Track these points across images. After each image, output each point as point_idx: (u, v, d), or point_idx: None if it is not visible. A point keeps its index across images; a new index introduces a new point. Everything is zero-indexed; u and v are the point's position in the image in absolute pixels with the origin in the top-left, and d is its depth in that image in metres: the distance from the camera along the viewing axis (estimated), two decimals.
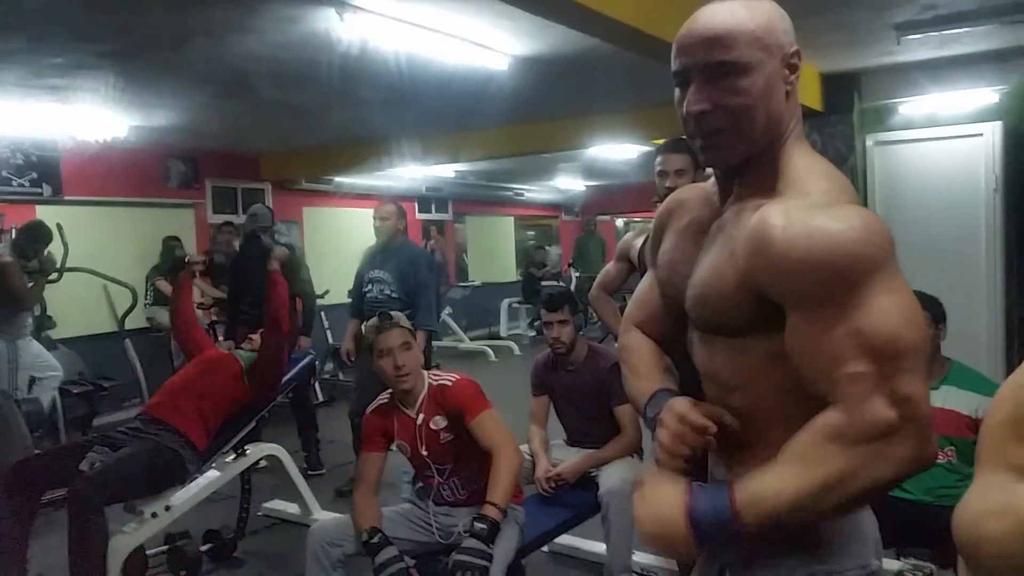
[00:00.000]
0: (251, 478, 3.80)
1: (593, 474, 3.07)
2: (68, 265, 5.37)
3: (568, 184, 12.98)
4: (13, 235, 6.16)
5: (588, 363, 3.19)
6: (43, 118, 5.31)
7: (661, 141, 3.06)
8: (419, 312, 4.11)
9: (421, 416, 2.65)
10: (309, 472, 4.84)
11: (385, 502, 2.72)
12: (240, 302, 4.98)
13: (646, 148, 7.48)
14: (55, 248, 5.20)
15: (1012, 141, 5.23)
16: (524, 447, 3.00)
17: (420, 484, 2.84)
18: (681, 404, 1.21)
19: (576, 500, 3.04)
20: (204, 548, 3.60)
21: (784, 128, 1.16)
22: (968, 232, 5.26)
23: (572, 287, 10.74)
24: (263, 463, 3.86)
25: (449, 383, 2.66)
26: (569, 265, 12.14)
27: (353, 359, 4.56)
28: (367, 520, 2.52)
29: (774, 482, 1.02)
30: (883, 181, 5.58)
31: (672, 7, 3.28)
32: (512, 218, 13.63)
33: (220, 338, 5.22)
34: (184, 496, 3.28)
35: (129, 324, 6.18)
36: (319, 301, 5.93)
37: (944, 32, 4.26)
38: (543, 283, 10.65)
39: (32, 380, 4.98)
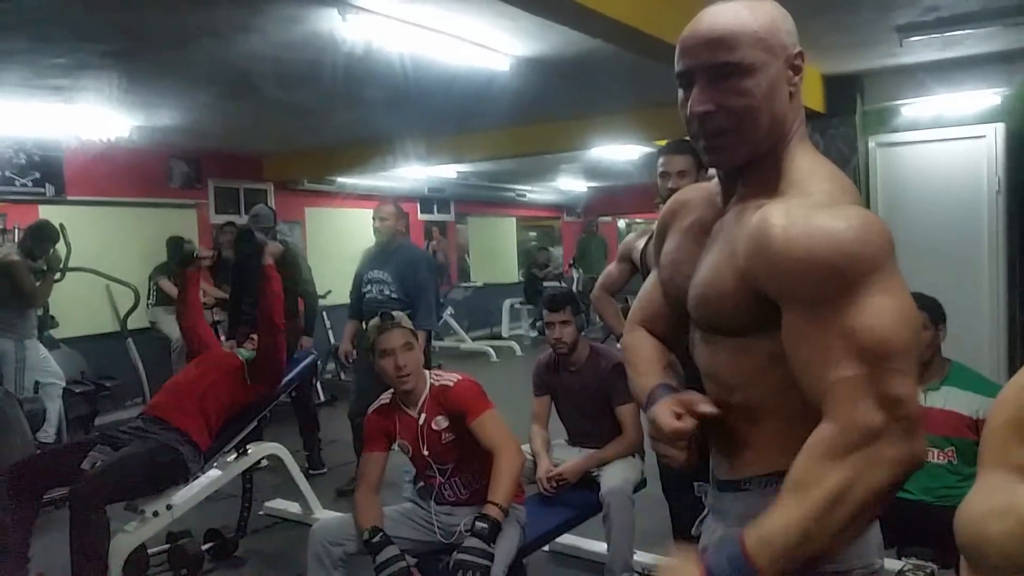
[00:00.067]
0: (252, 477, 3.81)
1: (594, 474, 3.08)
2: (71, 265, 5.38)
3: (570, 185, 12.98)
4: (17, 235, 6.20)
5: (590, 363, 3.20)
6: (46, 118, 5.31)
7: (663, 142, 3.07)
8: (419, 312, 4.11)
9: (423, 416, 2.65)
10: (310, 471, 4.85)
11: (386, 501, 2.72)
12: (242, 302, 4.98)
13: (648, 149, 7.48)
14: (59, 248, 5.22)
15: (1015, 143, 5.23)
16: (525, 447, 3.01)
17: (422, 484, 2.84)
18: (662, 406, 1.22)
19: (577, 500, 3.05)
20: (205, 547, 3.61)
21: (787, 129, 1.16)
22: (971, 234, 5.26)
23: (575, 286, 10.75)
24: (265, 462, 3.86)
25: (451, 383, 2.67)
26: (571, 265, 12.13)
27: (351, 360, 4.56)
28: (368, 519, 2.52)
29: (779, 518, 1.01)
30: (885, 183, 5.57)
31: (673, 8, 3.28)
32: (514, 219, 13.63)
33: (222, 338, 5.22)
34: (186, 495, 3.28)
35: (131, 324, 6.19)
36: (321, 301, 5.93)
37: (946, 34, 4.27)
38: (545, 284, 10.64)
39: (36, 385, 5.00)
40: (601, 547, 3.14)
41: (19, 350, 4.92)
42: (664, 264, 1.36)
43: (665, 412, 1.21)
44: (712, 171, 1.28)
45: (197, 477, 3.31)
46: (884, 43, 4.55)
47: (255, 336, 3.73)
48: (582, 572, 3.43)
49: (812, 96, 5.26)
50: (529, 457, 3.11)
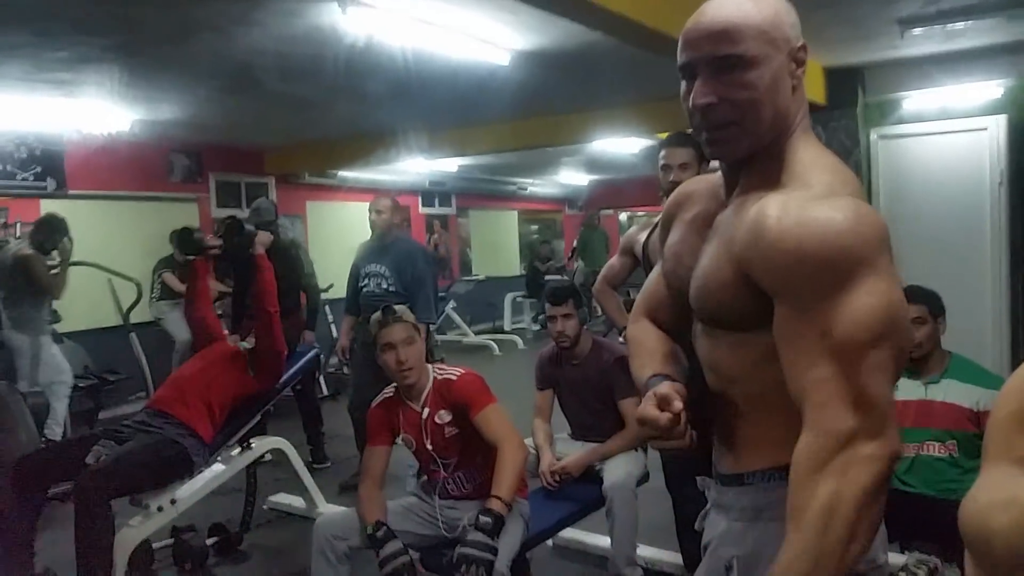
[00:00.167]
0: (256, 472, 3.81)
1: (597, 468, 3.08)
2: (73, 259, 5.38)
3: (571, 178, 12.97)
4: (19, 229, 6.20)
5: (592, 357, 3.19)
6: (47, 112, 5.31)
7: (665, 135, 3.06)
8: (418, 305, 4.11)
9: (426, 410, 2.66)
10: (314, 466, 4.85)
11: (390, 496, 2.73)
12: (245, 296, 4.99)
13: (649, 142, 7.47)
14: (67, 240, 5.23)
15: (1017, 135, 5.22)
16: (528, 441, 3.01)
17: (425, 478, 2.84)
18: (646, 398, 1.22)
19: (580, 494, 3.05)
20: (210, 541, 3.62)
21: (791, 122, 1.16)
22: (973, 226, 5.25)
23: (577, 277, 10.74)
24: (268, 457, 3.87)
25: (454, 377, 2.67)
26: (570, 257, 12.11)
27: (348, 355, 4.57)
28: (372, 513, 2.53)
29: (787, 552, 1.01)
30: (887, 175, 5.56)
31: (674, 1, 3.27)
32: (516, 212, 13.62)
33: (225, 331, 5.23)
34: (190, 490, 3.29)
35: (134, 318, 6.19)
36: (323, 295, 5.93)
37: (948, 26, 4.25)
38: (547, 277, 10.64)
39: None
40: (604, 541, 3.15)
41: (34, 346, 4.95)
42: (667, 256, 1.36)
43: (648, 403, 1.22)
44: (714, 163, 1.28)
45: (201, 471, 3.32)
46: (886, 35, 4.54)
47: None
48: (585, 566, 3.43)
49: (814, 89, 5.25)
50: (532, 451, 3.11)
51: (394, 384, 2.74)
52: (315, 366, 4.38)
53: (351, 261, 4.63)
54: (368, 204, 4.54)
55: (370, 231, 4.52)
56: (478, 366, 2.88)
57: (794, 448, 1.04)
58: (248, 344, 3.62)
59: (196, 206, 7.64)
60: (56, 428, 4.94)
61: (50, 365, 5.04)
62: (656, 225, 2.93)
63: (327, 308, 7.52)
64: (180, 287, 6.52)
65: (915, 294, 2.59)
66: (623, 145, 7.96)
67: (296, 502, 4.17)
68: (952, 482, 2.59)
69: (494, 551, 2.33)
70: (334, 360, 7.87)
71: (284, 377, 3.74)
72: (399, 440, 2.74)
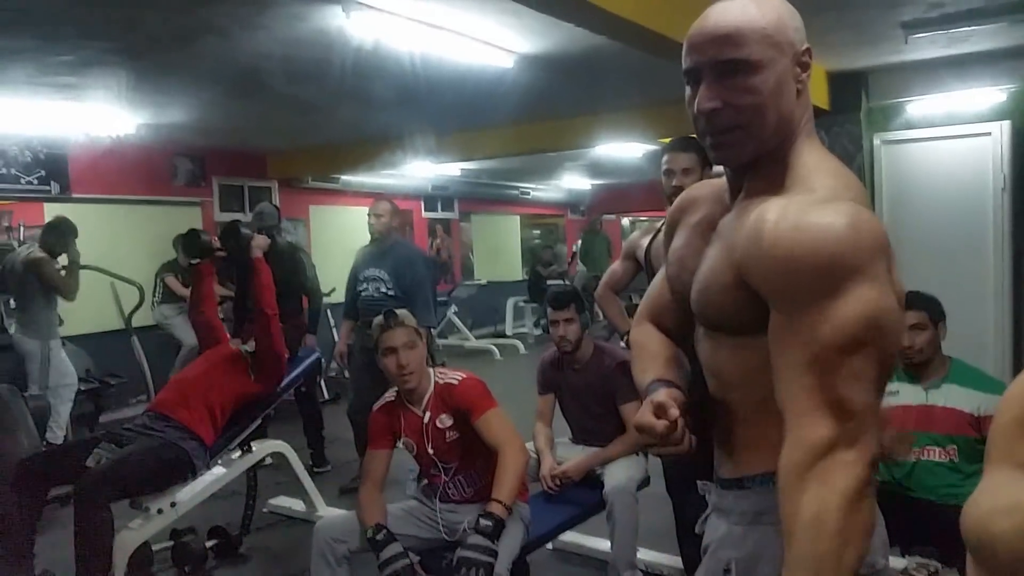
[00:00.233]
0: (257, 475, 3.81)
1: (598, 472, 3.08)
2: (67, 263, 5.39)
3: (574, 183, 12.98)
4: (23, 232, 6.22)
5: (594, 361, 3.19)
6: (51, 116, 5.32)
7: (668, 140, 3.06)
8: (417, 310, 4.11)
9: (428, 414, 2.65)
10: (315, 469, 4.85)
11: (390, 499, 2.73)
12: (247, 299, 4.99)
13: (652, 147, 7.47)
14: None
15: (1021, 140, 5.21)
16: (529, 445, 3.01)
17: (425, 481, 2.84)
18: (644, 405, 1.22)
19: (581, 498, 3.04)
20: (209, 544, 3.62)
21: (795, 126, 1.16)
22: (976, 231, 5.24)
23: (577, 281, 10.73)
24: (269, 460, 3.87)
25: (455, 382, 2.67)
26: (569, 262, 12.09)
27: (347, 360, 4.57)
28: (372, 516, 2.53)
29: (786, 566, 1.01)
30: (891, 180, 5.56)
31: (678, 4, 3.27)
32: (518, 217, 13.63)
33: (228, 335, 5.24)
34: (190, 492, 3.29)
35: (136, 322, 6.20)
36: (325, 300, 5.94)
37: (952, 31, 4.25)
38: (549, 282, 10.64)
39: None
40: (605, 545, 3.15)
41: (44, 350, 4.97)
42: (671, 260, 1.36)
43: (645, 410, 1.22)
44: (718, 168, 1.28)
45: (202, 474, 3.32)
46: (889, 40, 4.53)
47: None
48: (586, 570, 3.43)
49: (817, 93, 5.25)
50: (533, 455, 3.11)
51: (396, 388, 2.74)
52: (316, 370, 4.38)
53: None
54: (357, 208, 4.55)
55: (369, 235, 4.53)
56: (479, 370, 2.88)
57: None
58: (250, 347, 3.62)
59: (199, 210, 7.65)
60: (58, 432, 4.94)
61: (58, 369, 5.05)
62: (659, 230, 2.94)
63: (328, 312, 7.52)
64: (182, 291, 6.53)
65: (915, 300, 2.59)
66: (626, 150, 7.95)
67: (296, 505, 4.17)
68: (953, 487, 2.58)
69: (494, 554, 2.33)
70: (335, 364, 7.88)
71: (285, 381, 3.74)
72: (400, 444, 2.74)
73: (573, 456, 3.15)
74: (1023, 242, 5.27)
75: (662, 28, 3.30)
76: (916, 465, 2.66)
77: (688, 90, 1.17)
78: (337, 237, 8.89)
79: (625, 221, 15.80)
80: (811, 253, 1.00)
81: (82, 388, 5.63)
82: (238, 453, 3.60)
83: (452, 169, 9.72)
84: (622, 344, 3.35)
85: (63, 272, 5.06)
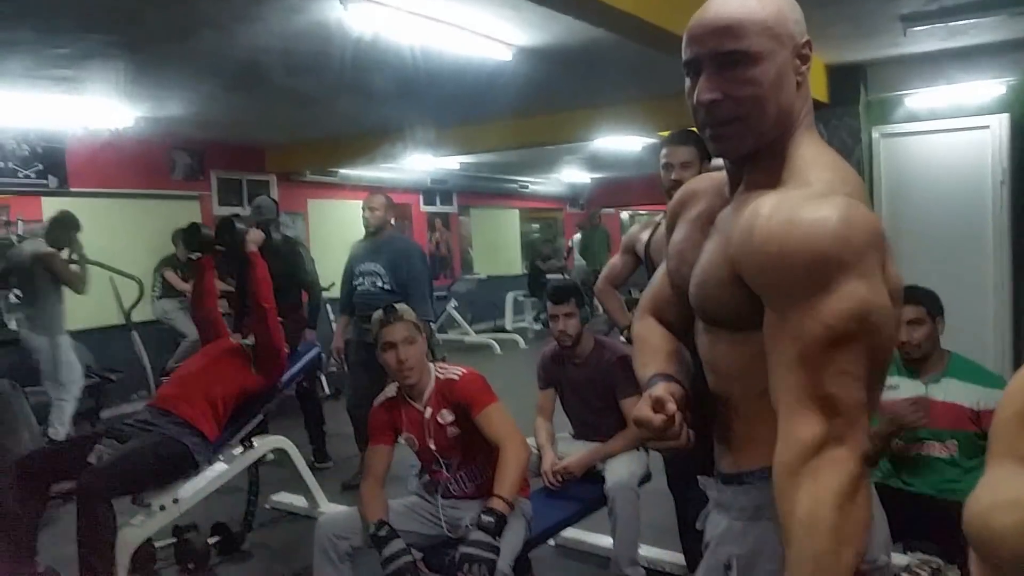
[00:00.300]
0: (258, 471, 3.81)
1: (599, 468, 3.07)
2: (74, 257, 5.39)
3: (573, 176, 12.97)
4: (20, 226, 6.21)
5: (594, 356, 3.19)
6: (49, 109, 5.31)
7: (667, 133, 3.06)
8: (414, 303, 4.11)
9: (429, 410, 2.65)
10: (316, 465, 4.85)
11: (392, 495, 2.73)
12: (246, 294, 4.98)
13: (651, 140, 7.46)
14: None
15: (1020, 133, 5.21)
16: (530, 440, 3.01)
17: (427, 477, 2.84)
18: (642, 399, 1.22)
19: (583, 493, 3.04)
20: (212, 540, 3.61)
21: (794, 118, 1.15)
22: (975, 225, 5.24)
23: (575, 275, 10.73)
24: (270, 456, 3.87)
25: (456, 377, 2.66)
26: (566, 257, 12.08)
27: (343, 356, 4.56)
28: (374, 513, 2.53)
29: (786, 567, 1.01)
30: (889, 174, 5.56)
31: None
32: (517, 210, 13.62)
33: (228, 330, 5.24)
34: (192, 489, 3.29)
35: (136, 316, 6.20)
36: (324, 294, 5.94)
37: (950, 23, 4.25)
38: (549, 276, 10.64)
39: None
40: (606, 541, 3.15)
41: (53, 347, 4.98)
42: (671, 254, 1.36)
43: (643, 405, 1.22)
44: (717, 161, 1.27)
45: (204, 469, 3.32)
46: (888, 33, 4.53)
47: None
48: (587, 566, 3.43)
49: (816, 86, 5.24)
50: (534, 451, 3.10)
51: (396, 383, 2.74)
52: (317, 365, 4.38)
53: None
54: (356, 201, 4.54)
55: (364, 230, 4.53)
56: (479, 365, 2.88)
57: None
58: (250, 342, 3.62)
59: (198, 204, 7.64)
60: (60, 428, 4.95)
61: (69, 365, 5.08)
62: (659, 224, 2.94)
63: (328, 307, 7.52)
64: (182, 285, 6.53)
65: (913, 295, 2.59)
66: (625, 143, 7.95)
67: (298, 501, 4.17)
68: (952, 482, 2.59)
69: (496, 550, 2.32)
70: (334, 359, 7.88)
71: (286, 376, 3.73)
72: (401, 440, 2.74)
73: (574, 451, 3.15)
74: (1022, 235, 5.27)
75: (661, 21, 3.29)
76: (916, 460, 2.66)
77: (688, 81, 1.17)
78: (336, 231, 8.88)
79: (624, 215, 15.79)
80: (802, 248, 1.00)
81: (83, 384, 5.64)
82: (240, 449, 3.60)
83: (451, 163, 9.71)
84: (622, 338, 3.35)
85: (72, 266, 5.08)
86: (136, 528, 3.08)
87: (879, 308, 1.02)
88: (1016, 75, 5.15)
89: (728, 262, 1.12)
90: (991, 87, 5.28)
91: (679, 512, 2.96)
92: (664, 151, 2.75)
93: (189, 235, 3.71)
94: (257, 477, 3.80)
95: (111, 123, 5.67)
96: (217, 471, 3.44)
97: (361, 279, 4.42)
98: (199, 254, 3.69)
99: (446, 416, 2.63)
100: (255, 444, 3.65)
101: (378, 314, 2.70)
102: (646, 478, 3.11)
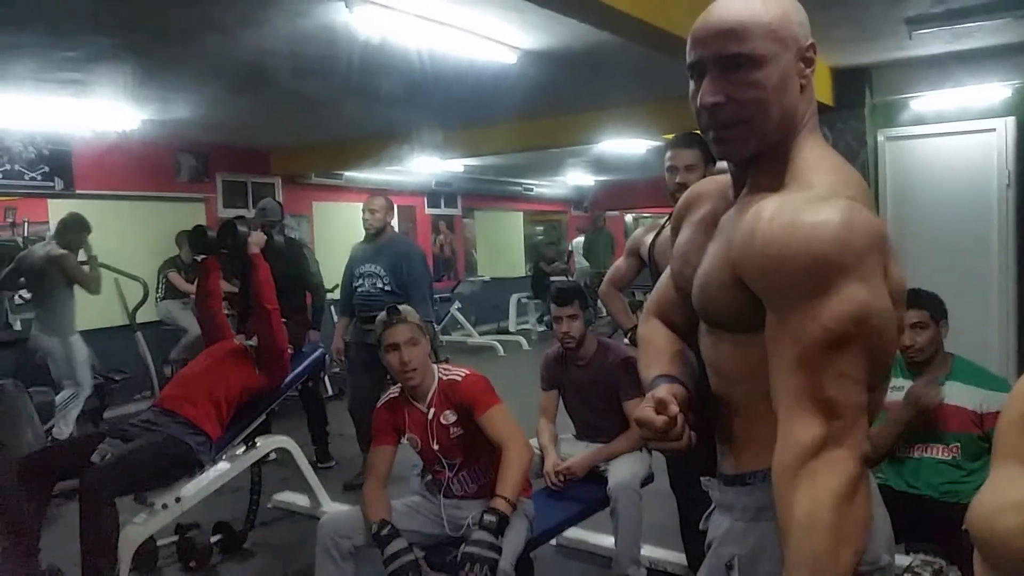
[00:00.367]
0: (261, 470, 3.82)
1: (602, 468, 3.08)
2: (80, 258, 5.41)
3: (578, 179, 12.96)
4: (26, 228, 6.23)
5: (597, 358, 3.19)
6: (56, 112, 5.33)
7: (671, 136, 3.06)
8: (415, 305, 4.11)
9: (432, 411, 2.66)
10: (319, 465, 4.85)
11: (394, 495, 2.73)
12: (249, 296, 4.99)
13: (656, 143, 7.46)
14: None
15: None
16: (533, 441, 3.01)
17: (429, 477, 2.84)
18: (644, 401, 1.22)
19: (585, 494, 3.04)
20: (214, 539, 3.62)
21: (798, 121, 1.15)
22: (980, 228, 5.23)
23: (576, 277, 10.73)
24: (273, 455, 3.87)
25: (459, 378, 2.67)
26: (566, 260, 12.08)
27: (343, 357, 4.57)
28: (377, 512, 2.53)
29: (784, 568, 1.01)
30: (894, 177, 5.55)
31: (682, 0, 3.27)
32: (521, 213, 13.62)
33: (232, 331, 5.25)
34: (195, 488, 3.30)
35: (140, 317, 6.21)
36: (328, 295, 5.95)
37: (956, 26, 4.24)
38: (552, 278, 10.64)
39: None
40: (609, 541, 3.15)
41: (66, 347, 5.01)
42: (675, 256, 1.36)
43: (645, 406, 1.22)
44: (721, 164, 1.28)
45: (207, 469, 3.32)
46: (894, 35, 4.52)
47: None
48: (589, 566, 3.43)
49: (821, 89, 5.23)
50: (536, 451, 3.11)
51: (399, 384, 2.74)
52: (320, 366, 4.39)
53: None
54: (362, 204, 4.56)
55: (364, 231, 4.54)
56: (483, 367, 2.88)
57: None
58: (254, 343, 3.63)
59: (203, 206, 7.66)
60: (65, 428, 4.97)
61: (85, 364, 5.11)
62: (663, 227, 2.94)
63: (332, 308, 7.53)
64: (185, 286, 6.55)
65: (916, 298, 2.59)
66: (629, 146, 7.95)
67: (300, 500, 4.18)
68: (955, 484, 2.58)
69: (498, 550, 2.33)
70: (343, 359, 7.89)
71: (290, 376, 3.74)
72: (404, 440, 2.75)
73: (577, 452, 3.16)
74: None
75: (665, 24, 3.29)
76: (919, 462, 2.66)
77: (692, 84, 1.17)
78: (340, 233, 8.88)
79: (628, 218, 15.78)
80: (802, 252, 1.00)
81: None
82: (242, 449, 3.61)
83: (455, 165, 9.71)
84: (625, 340, 3.35)
85: (85, 267, 5.12)
86: (139, 526, 3.10)
87: (880, 311, 1.02)
88: (1022, 78, 5.14)
89: (730, 264, 1.12)
90: (997, 90, 5.27)
91: (681, 513, 2.96)
92: (668, 154, 2.76)
93: (194, 237, 3.73)
94: (260, 476, 3.81)
95: (117, 126, 5.69)
96: (220, 470, 3.45)
97: (361, 280, 4.44)
98: (204, 256, 3.70)
99: (449, 417, 2.64)
100: (258, 443, 3.66)
101: (382, 316, 2.70)
102: (649, 479, 3.11)
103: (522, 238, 13.73)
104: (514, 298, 11.64)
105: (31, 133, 6.12)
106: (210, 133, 6.94)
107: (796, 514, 0.99)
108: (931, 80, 5.27)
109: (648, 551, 3.22)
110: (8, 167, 6.08)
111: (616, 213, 14.83)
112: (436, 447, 2.66)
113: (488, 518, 2.37)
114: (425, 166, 9.00)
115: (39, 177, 6.29)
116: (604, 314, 6.94)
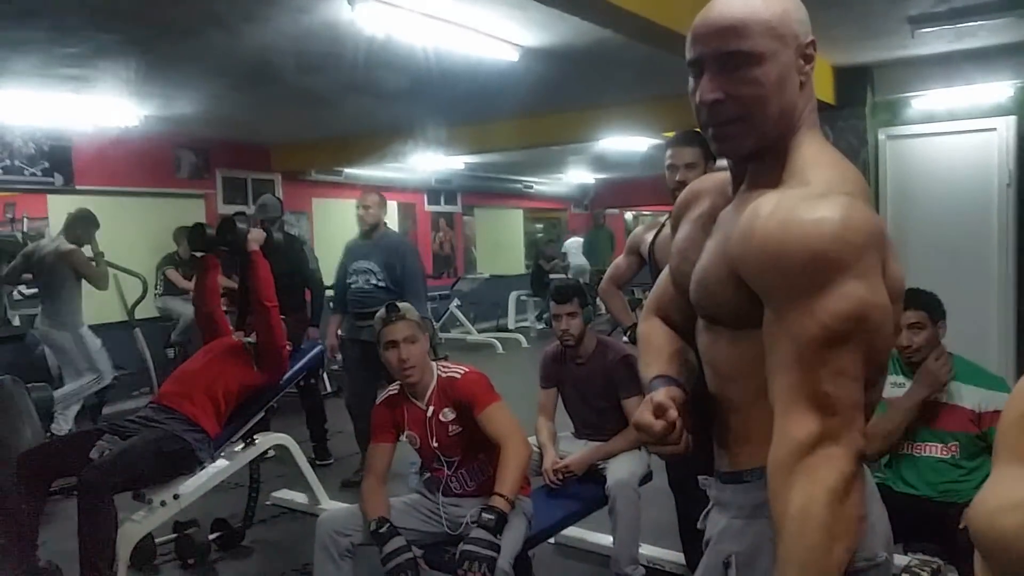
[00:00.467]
0: (259, 467, 3.82)
1: (601, 467, 3.08)
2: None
3: (578, 177, 12.96)
4: (25, 223, 6.22)
5: (597, 356, 3.19)
6: (56, 107, 5.32)
7: (671, 134, 3.05)
8: (409, 301, 4.10)
9: (431, 408, 2.65)
10: (317, 462, 4.85)
11: (392, 493, 2.73)
12: (248, 292, 4.99)
13: (656, 141, 7.45)
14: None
15: None
16: (532, 439, 3.01)
17: (428, 475, 2.84)
18: (643, 403, 1.22)
19: (583, 492, 3.04)
20: (212, 536, 3.62)
21: (797, 118, 1.15)
22: (981, 227, 5.22)
23: (572, 275, 10.72)
24: (272, 453, 3.87)
25: (458, 376, 2.67)
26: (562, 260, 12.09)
27: (337, 355, 4.57)
28: (375, 510, 2.53)
29: (776, 562, 1.02)
30: (895, 175, 5.54)
31: None
32: (521, 211, 13.64)
33: (231, 328, 5.25)
34: (193, 485, 3.29)
35: (139, 314, 6.21)
36: (328, 292, 5.95)
37: (959, 25, 4.23)
38: (552, 276, 10.63)
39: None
40: (607, 540, 3.15)
41: (77, 340, 5.03)
42: (674, 252, 1.36)
43: (644, 409, 1.22)
44: (721, 162, 1.27)
45: (206, 466, 3.32)
46: (896, 34, 4.51)
47: None
48: (588, 564, 3.43)
49: (822, 87, 5.22)
50: (535, 449, 3.10)
51: (399, 381, 2.74)
52: (319, 363, 4.39)
53: None
54: (356, 200, 4.56)
55: (358, 228, 4.54)
56: (482, 364, 2.88)
57: None
58: (252, 339, 3.62)
59: (203, 202, 7.66)
60: (64, 425, 4.97)
61: (100, 354, 5.13)
62: (663, 225, 2.94)
63: (331, 305, 7.52)
64: (183, 283, 6.55)
65: (914, 299, 2.59)
66: (630, 144, 7.94)
67: (299, 498, 4.18)
68: (954, 483, 2.58)
69: (497, 548, 2.33)
70: (338, 356, 7.89)
71: (288, 373, 3.74)
72: (403, 438, 2.74)
73: (575, 450, 3.15)
74: None
75: (667, 21, 3.29)
76: (918, 461, 2.66)
77: (691, 81, 1.17)
78: (340, 230, 8.86)
79: (629, 215, 15.78)
80: (800, 248, 1.00)
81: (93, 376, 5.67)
82: (241, 446, 3.60)
83: (456, 163, 9.71)
84: (625, 338, 3.35)
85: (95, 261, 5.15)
86: (137, 523, 3.09)
87: (877, 308, 1.02)
88: (1023, 77, 5.14)
89: (727, 261, 1.12)
90: (999, 89, 5.26)
91: (680, 511, 2.96)
92: (669, 152, 2.75)
93: (193, 234, 3.72)
94: (258, 473, 3.80)
95: (117, 121, 5.68)
96: (218, 467, 3.45)
97: (355, 277, 4.44)
98: (203, 253, 3.70)
99: (448, 414, 2.64)
100: (256, 440, 3.65)
101: (381, 313, 2.70)
102: (647, 477, 3.11)
103: (522, 236, 13.74)
104: (513, 296, 11.64)
105: (31, 128, 6.11)
106: (210, 129, 6.93)
107: (790, 510, 0.99)
108: (933, 79, 5.26)
109: (646, 550, 3.22)
110: (8, 163, 6.06)
111: (616, 211, 14.83)
112: (435, 445, 2.66)
113: (486, 516, 2.36)
114: (425, 163, 9.00)
115: (39, 173, 6.28)
116: (603, 312, 6.95)
